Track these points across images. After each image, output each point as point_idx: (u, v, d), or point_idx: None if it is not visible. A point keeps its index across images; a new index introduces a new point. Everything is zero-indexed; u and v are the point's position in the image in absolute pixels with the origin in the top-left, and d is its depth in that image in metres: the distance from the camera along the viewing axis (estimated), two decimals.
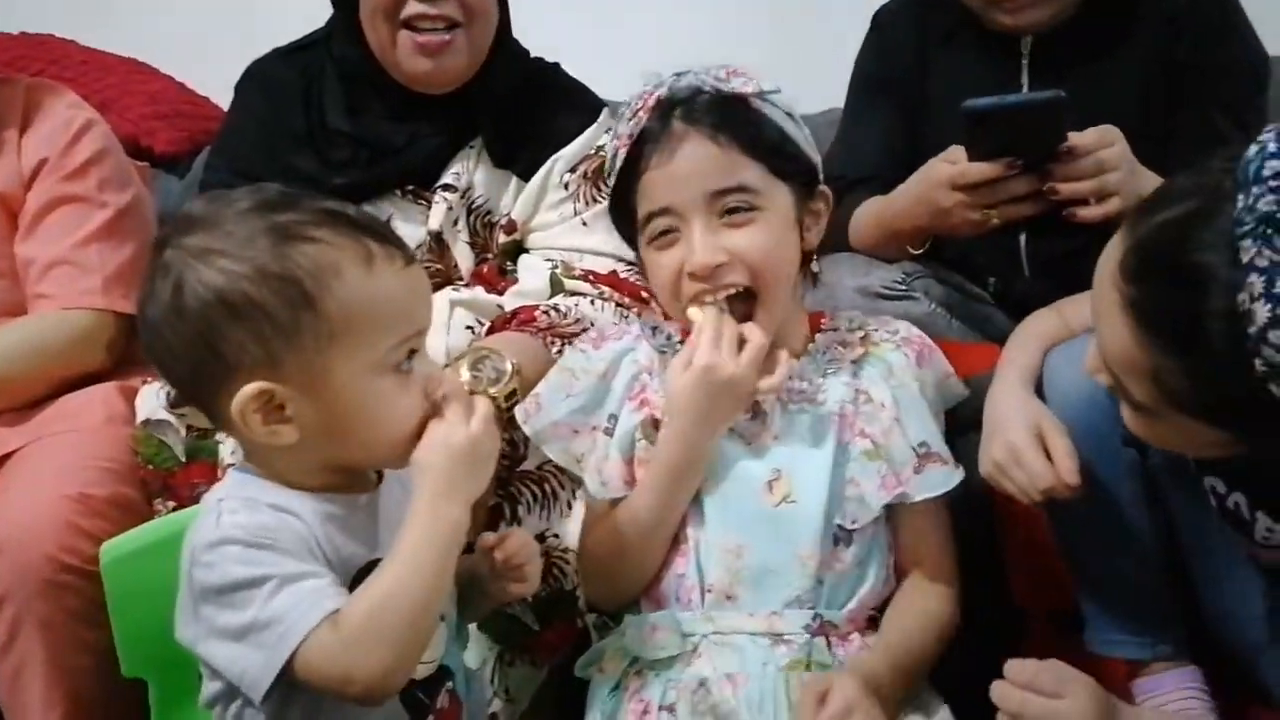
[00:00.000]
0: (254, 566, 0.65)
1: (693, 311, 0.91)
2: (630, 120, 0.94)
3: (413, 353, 0.71)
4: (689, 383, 0.88)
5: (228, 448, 1.05)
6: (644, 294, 1.16)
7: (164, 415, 1.07)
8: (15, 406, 1.16)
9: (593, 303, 1.19)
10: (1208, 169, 0.70)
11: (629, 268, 1.20)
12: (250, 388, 0.66)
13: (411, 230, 1.20)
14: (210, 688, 0.72)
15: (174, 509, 1.03)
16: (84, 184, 1.22)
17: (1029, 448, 0.87)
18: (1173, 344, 0.69)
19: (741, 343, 0.89)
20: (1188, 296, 0.67)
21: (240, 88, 1.32)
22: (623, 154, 0.94)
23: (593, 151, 1.25)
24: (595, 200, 1.24)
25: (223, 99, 1.60)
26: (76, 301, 1.18)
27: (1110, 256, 0.73)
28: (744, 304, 0.92)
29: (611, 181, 0.98)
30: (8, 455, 1.11)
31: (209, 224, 0.68)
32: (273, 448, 0.69)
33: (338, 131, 1.23)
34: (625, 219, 0.99)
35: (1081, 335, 0.89)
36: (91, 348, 1.18)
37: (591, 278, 1.20)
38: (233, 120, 1.33)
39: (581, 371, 0.98)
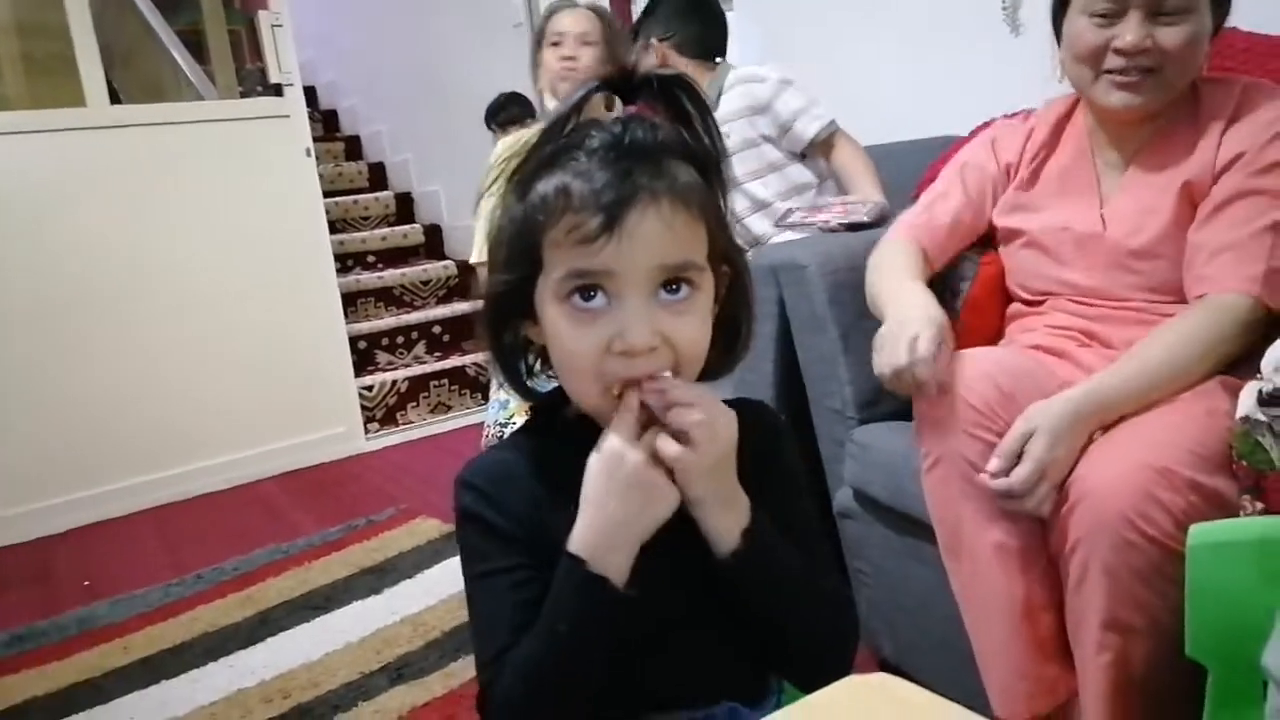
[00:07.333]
0: None
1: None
2: None
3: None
4: None
5: None
6: None
7: (1260, 415, 1.01)
8: (1184, 390, 1.17)
9: None
10: None
11: None
12: None
13: None
14: None
15: (1261, 511, 1.00)
16: (1271, 179, 1.23)
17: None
18: None
19: None
20: None
21: None
22: None
23: None
24: None
25: None
26: (1235, 286, 1.20)
27: None
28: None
29: None
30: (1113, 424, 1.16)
31: None
32: None
33: None
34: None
35: None
36: (1239, 332, 1.19)
37: None
38: None
39: None
